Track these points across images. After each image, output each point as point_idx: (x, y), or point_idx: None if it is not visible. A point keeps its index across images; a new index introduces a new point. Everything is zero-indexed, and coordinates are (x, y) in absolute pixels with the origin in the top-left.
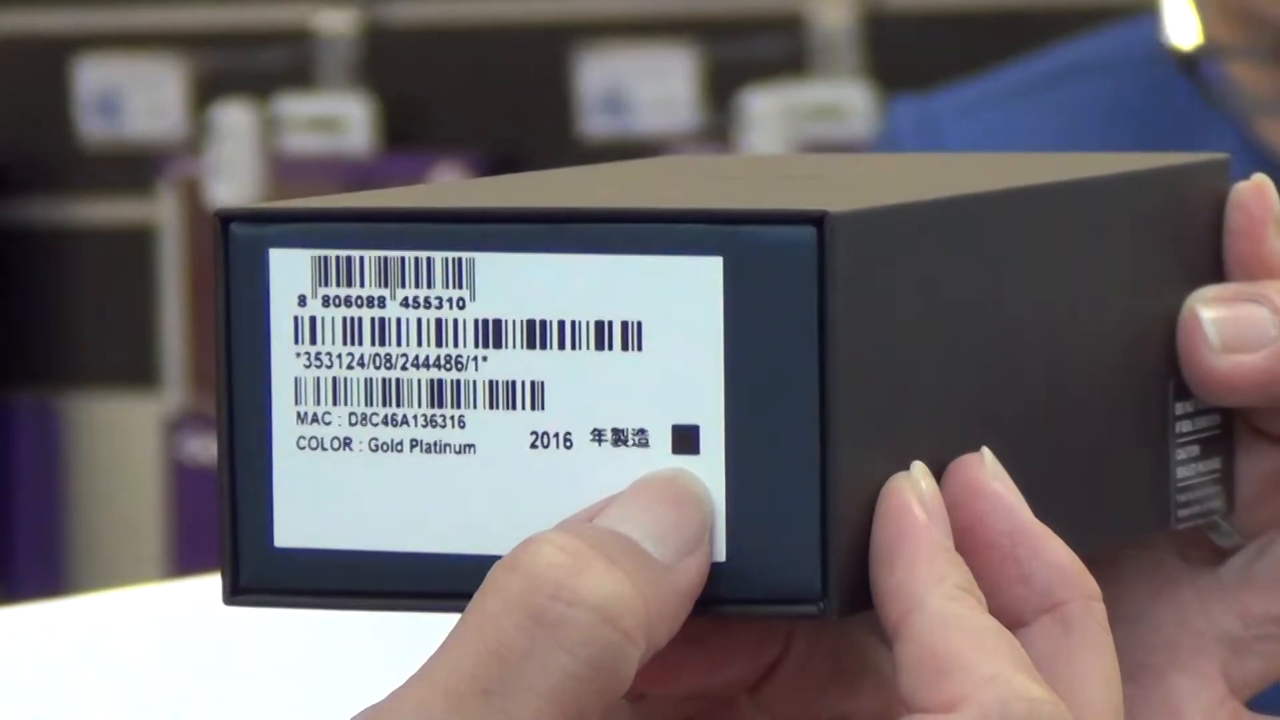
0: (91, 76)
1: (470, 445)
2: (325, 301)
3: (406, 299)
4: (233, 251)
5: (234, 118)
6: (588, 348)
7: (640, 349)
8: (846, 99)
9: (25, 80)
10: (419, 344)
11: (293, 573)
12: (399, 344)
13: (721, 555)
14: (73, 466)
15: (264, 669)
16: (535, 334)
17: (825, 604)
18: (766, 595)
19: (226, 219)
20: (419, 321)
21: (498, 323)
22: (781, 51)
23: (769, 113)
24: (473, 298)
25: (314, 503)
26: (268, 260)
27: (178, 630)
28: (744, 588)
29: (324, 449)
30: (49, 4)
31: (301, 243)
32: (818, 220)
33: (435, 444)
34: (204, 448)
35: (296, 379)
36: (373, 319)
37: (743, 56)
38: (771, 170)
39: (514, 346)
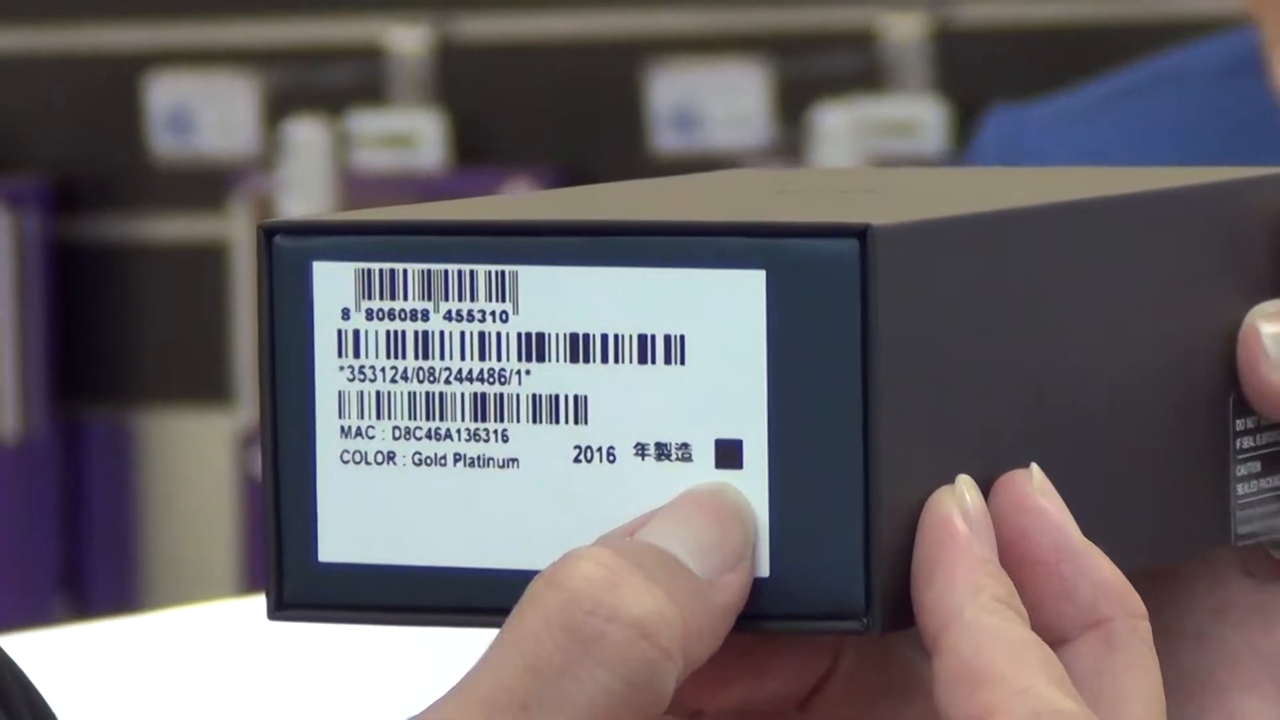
0: (163, 93)
1: (513, 459)
2: (369, 315)
3: (450, 312)
4: (276, 264)
5: (306, 134)
6: (631, 361)
7: (683, 363)
8: (918, 114)
9: (97, 97)
10: (462, 357)
11: (336, 588)
12: (442, 357)
13: (765, 570)
14: (146, 483)
15: (336, 687)
16: (578, 347)
17: (869, 619)
18: (810, 611)
19: (270, 231)
20: (462, 335)
21: (540, 336)
22: (853, 67)
23: (840, 128)
24: (515, 311)
25: (357, 517)
26: (311, 273)
27: (250, 646)
28: (788, 603)
29: (368, 463)
30: (121, 21)
31: (345, 255)
32: (860, 233)
33: (479, 458)
34: None
35: (340, 393)
36: (416, 332)
37: (814, 72)
38: (826, 184)
39: (557, 360)
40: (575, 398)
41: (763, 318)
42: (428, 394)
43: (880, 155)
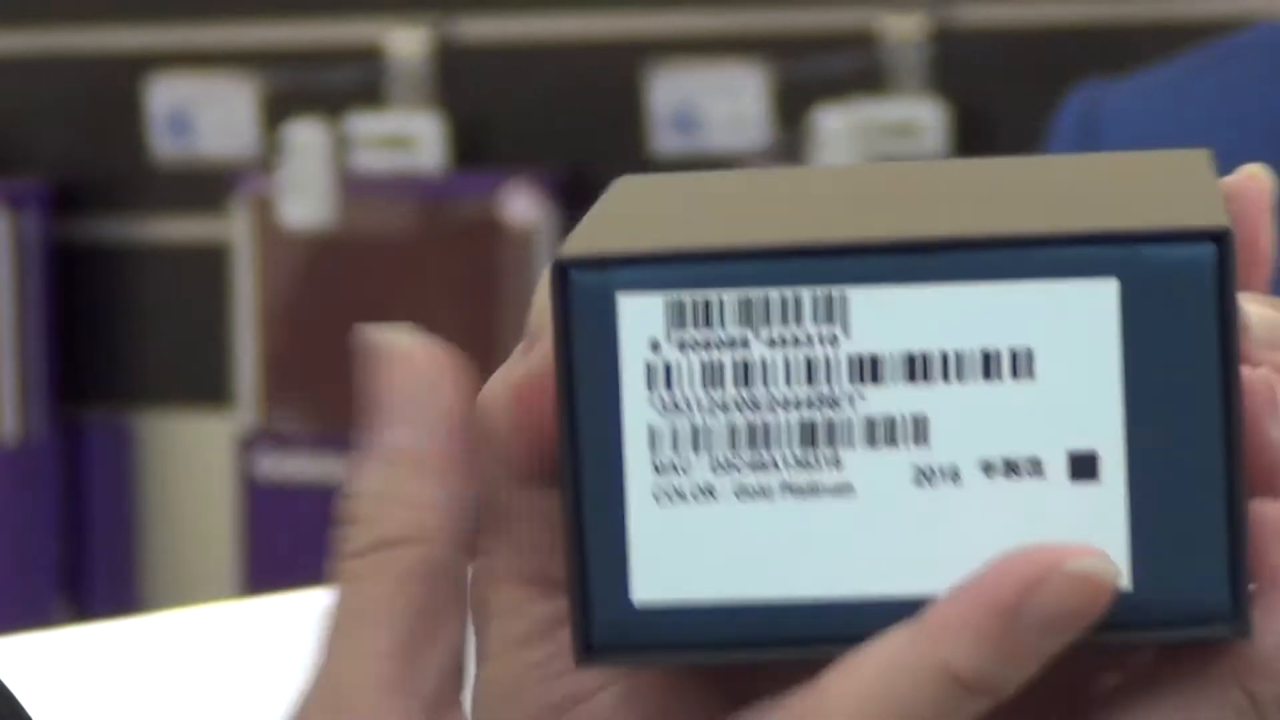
0: (163, 95)
1: (847, 485)
2: (682, 345)
3: (773, 338)
4: (576, 300)
5: (305, 136)
6: (975, 378)
7: (1031, 376)
8: (917, 115)
9: (97, 99)
10: (788, 384)
11: (652, 629)
12: (766, 385)
13: (1126, 582)
14: (146, 485)
15: None
16: (917, 367)
17: (1236, 624)
18: (1175, 619)
19: (566, 265)
20: (787, 361)
21: (875, 358)
22: (852, 68)
23: (840, 130)
24: (846, 334)
25: (675, 554)
26: (617, 307)
27: (251, 648)
28: (1151, 613)
29: (684, 499)
30: (121, 23)
31: (653, 286)
32: (1217, 236)
33: (808, 486)
34: (276, 465)
35: (652, 428)
36: (735, 361)
37: (814, 74)
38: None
39: (894, 381)
40: (914, 418)
41: (1115, 326)
42: (750, 424)
43: (880, 156)
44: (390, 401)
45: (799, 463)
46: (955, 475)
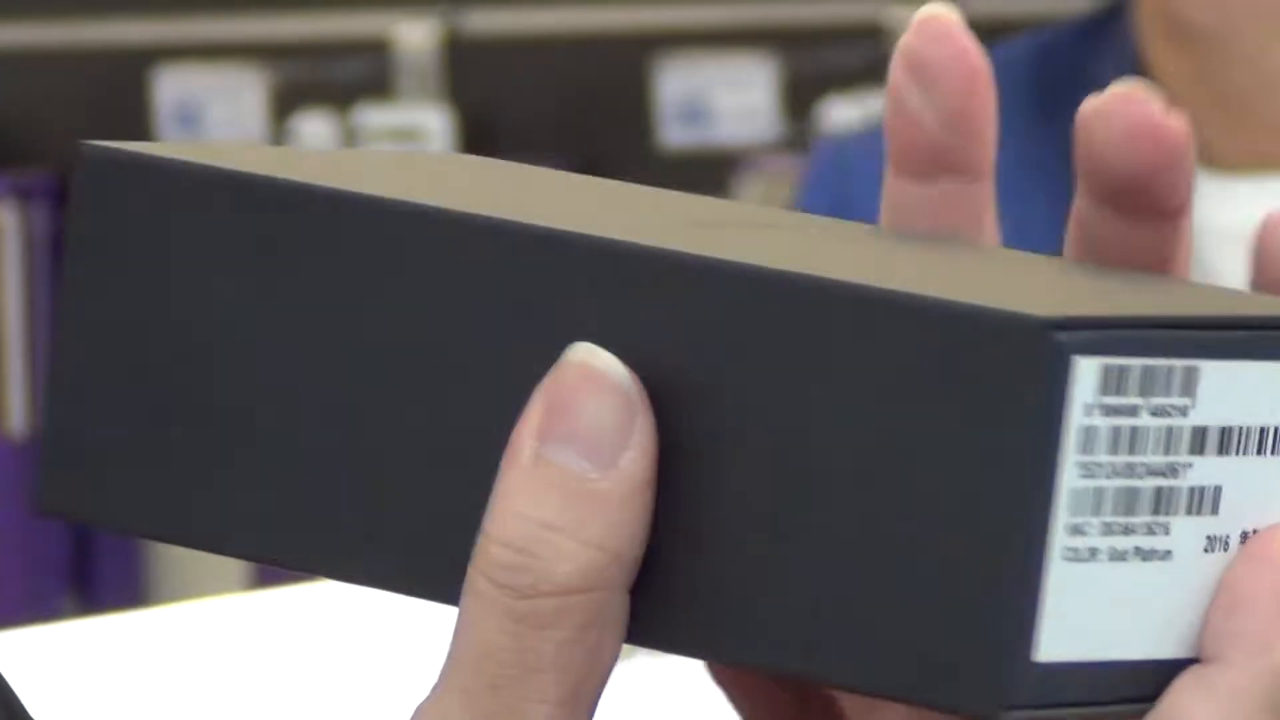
0: (171, 87)
1: (1169, 551)
2: (1103, 411)
3: (1154, 408)
4: (1051, 358)
5: (313, 128)
6: (1251, 453)
7: None
8: None
9: (105, 91)
10: (1152, 452)
11: (1045, 688)
12: (1140, 452)
13: None
14: None
15: (342, 680)
16: (1224, 440)
17: None
18: None
19: (1048, 326)
20: (1155, 430)
21: (1204, 430)
22: (861, 60)
23: (849, 122)
24: (1193, 405)
25: (1065, 615)
26: (1073, 369)
27: (259, 641)
28: None
29: (1078, 560)
30: (129, 15)
31: (1097, 350)
32: None
33: (1149, 551)
34: None
35: (1071, 489)
36: (1128, 427)
37: (822, 66)
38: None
39: (1210, 453)
40: (1215, 489)
41: None
42: (1126, 489)
43: None
44: (575, 424)
45: (1149, 529)
46: (1226, 544)
